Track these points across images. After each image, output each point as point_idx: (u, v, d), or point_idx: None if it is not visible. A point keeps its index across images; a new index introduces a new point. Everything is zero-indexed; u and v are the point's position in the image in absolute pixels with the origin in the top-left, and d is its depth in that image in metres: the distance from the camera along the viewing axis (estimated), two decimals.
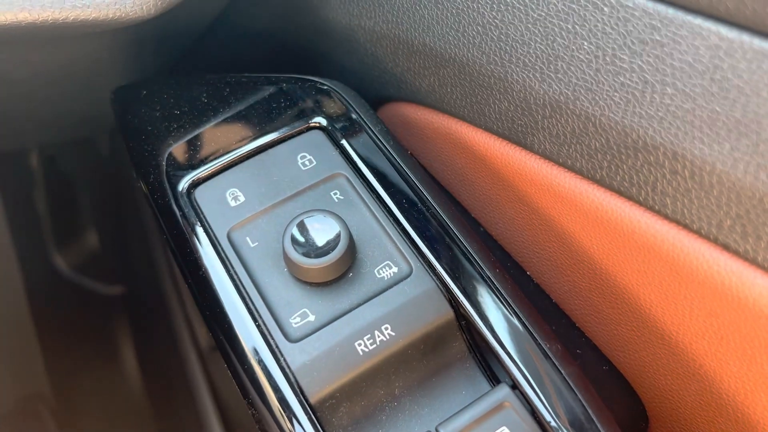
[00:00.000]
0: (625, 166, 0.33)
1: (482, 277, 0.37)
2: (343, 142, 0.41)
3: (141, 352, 1.09)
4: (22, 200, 1.10)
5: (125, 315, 1.11)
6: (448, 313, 0.36)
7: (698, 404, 0.36)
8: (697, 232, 0.31)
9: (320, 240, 0.36)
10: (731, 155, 0.28)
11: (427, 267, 0.37)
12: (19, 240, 1.11)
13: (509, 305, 0.36)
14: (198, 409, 0.96)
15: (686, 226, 0.31)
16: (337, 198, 0.39)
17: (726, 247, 0.30)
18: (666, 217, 0.32)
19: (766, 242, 0.28)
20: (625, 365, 0.40)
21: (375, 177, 0.40)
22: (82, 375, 1.08)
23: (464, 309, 0.36)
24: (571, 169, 0.36)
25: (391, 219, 0.39)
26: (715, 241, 0.30)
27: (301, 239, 0.36)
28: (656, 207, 0.32)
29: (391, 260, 0.37)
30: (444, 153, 0.44)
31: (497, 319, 0.36)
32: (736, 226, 0.29)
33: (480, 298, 0.36)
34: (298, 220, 0.36)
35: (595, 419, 0.33)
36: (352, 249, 0.36)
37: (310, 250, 0.36)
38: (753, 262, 0.29)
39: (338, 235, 0.36)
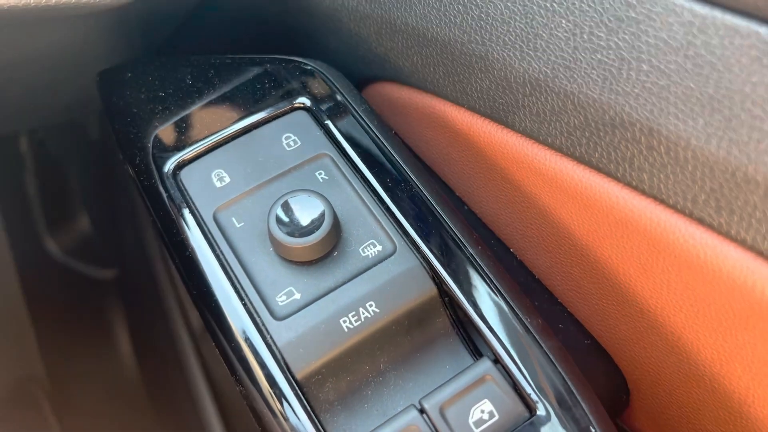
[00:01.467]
0: (603, 143, 0.33)
1: (465, 255, 0.38)
2: (328, 122, 0.41)
3: (135, 334, 1.09)
4: (13, 185, 1.10)
5: (118, 298, 1.11)
6: (432, 290, 0.37)
7: (677, 376, 0.37)
8: (673, 207, 0.31)
9: (305, 219, 0.36)
10: (705, 131, 0.29)
11: (410, 245, 0.38)
12: (10, 225, 1.11)
13: (491, 282, 0.37)
14: (191, 389, 0.97)
15: (662, 201, 0.32)
16: (321, 178, 0.40)
17: (701, 221, 0.30)
18: (643, 192, 0.32)
19: (738, 216, 0.29)
20: (606, 339, 0.40)
21: (359, 157, 0.40)
22: (77, 358, 1.08)
23: (447, 286, 0.37)
24: (551, 146, 0.36)
25: (375, 198, 0.39)
26: (690, 216, 0.31)
27: (286, 219, 0.36)
28: (633, 183, 0.33)
29: (376, 239, 0.38)
30: (428, 132, 0.45)
31: (479, 295, 0.36)
32: (710, 201, 0.30)
33: (463, 275, 0.37)
34: (282, 200, 0.37)
35: (575, 392, 0.34)
36: (336, 228, 0.37)
37: (295, 229, 0.36)
38: (726, 235, 0.30)
39: (322, 215, 0.36)
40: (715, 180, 0.29)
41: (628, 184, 0.33)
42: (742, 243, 0.29)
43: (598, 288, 0.38)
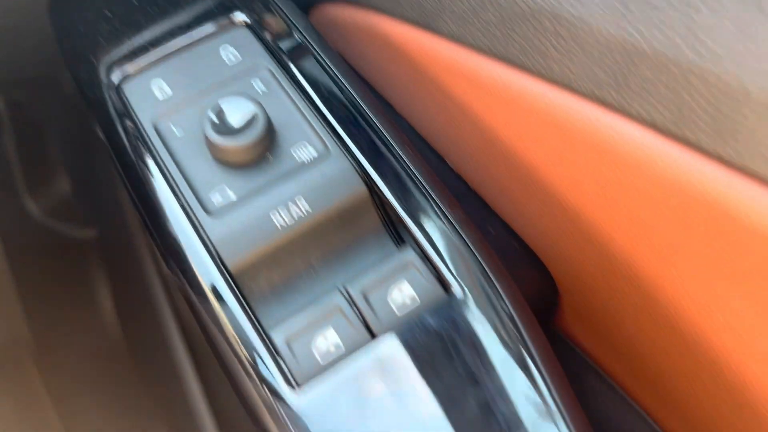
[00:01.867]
0: (516, 36, 0.34)
1: (394, 156, 0.39)
2: (268, 37, 0.43)
3: (116, 293, 1.11)
4: None
5: (100, 257, 1.13)
6: (362, 190, 0.38)
7: (599, 270, 0.39)
8: (580, 93, 0.33)
9: (238, 121, 0.38)
10: (602, 11, 0.30)
11: (343, 148, 0.39)
12: None
13: (417, 179, 0.38)
14: (168, 345, 0.98)
15: (571, 88, 0.33)
16: (259, 88, 0.41)
17: (604, 102, 0.32)
18: (554, 82, 0.34)
19: (635, 91, 0.30)
20: (535, 240, 0.42)
21: (297, 68, 0.42)
22: (61, 319, 1.10)
23: (377, 185, 0.38)
24: (474, 47, 0.37)
25: (310, 106, 0.40)
26: (595, 99, 0.32)
27: (219, 122, 0.38)
28: (545, 73, 0.34)
29: (310, 143, 0.39)
30: (369, 51, 0.46)
31: (406, 192, 0.38)
32: (610, 81, 0.31)
33: (391, 175, 0.39)
34: (217, 105, 0.38)
35: (491, 276, 0.35)
36: (269, 130, 0.38)
37: (228, 131, 0.38)
38: (627, 113, 0.31)
39: (255, 116, 0.38)
40: (613, 59, 0.30)
41: (542, 76, 0.34)
42: (639, 119, 0.31)
43: (524, 188, 0.40)
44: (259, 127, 0.37)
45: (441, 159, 0.46)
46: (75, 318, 1.11)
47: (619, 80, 0.31)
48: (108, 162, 1.03)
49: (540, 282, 0.43)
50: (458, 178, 0.45)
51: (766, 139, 0.26)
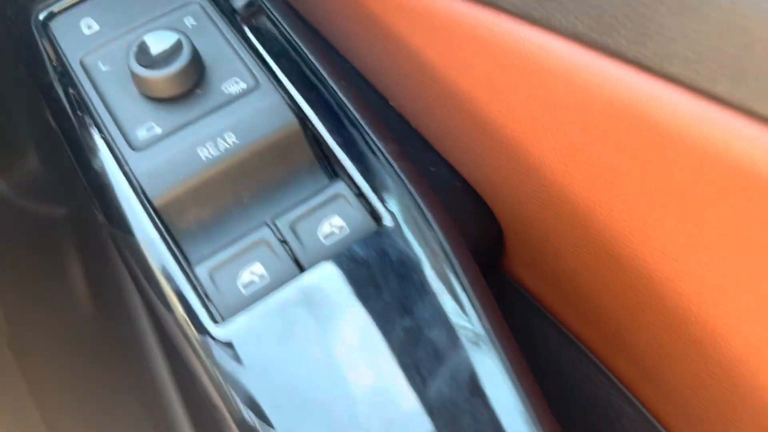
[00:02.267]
0: None
1: (327, 90, 0.38)
2: None
3: (88, 271, 1.09)
4: None
5: (71, 235, 1.11)
6: (293, 123, 0.37)
7: (538, 204, 0.38)
8: (504, 10, 0.32)
9: (163, 53, 0.37)
10: None
11: (274, 81, 0.38)
12: None
13: (350, 112, 0.37)
14: (138, 321, 0.97)
15: (495, 6, 0.32)
16: (190, 24, 0.40)
17: (528, 18, 0.31)
18: (480, 2, 0.33)
19: (557, 2, 0.29)
20: (477, 179, 0.41)
21: (229, 4, 0.40)
22: (34, 299, 1.09)
23: (308, 119, 0.37)
24: None
25: (241, 40, 0.39)
26: (519, 14, 0.31)
27: (145, 54, 0.37)
28: None
29: (239, 76, 0.38)
30: None
31: (338, 125, 0.37)
32: None
33: (323, 108, 0.37)
34: (141, 38, 0.37)
35: (422, 205, 0.34)
36: (196, 61, 0.37)
37: (154, 62, 0.36)
38: (549, 26, 0.30)
39: (180, 47, 0.36)
40: None
41: None
42: (563, 31, 0.30)
43: (461, 122, 0.39)
44: (182, 58, 0.36)
45: (385, 101, 0.45)
46: (48, 297, 1.10)
47: None
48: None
49: (484, 223, 0.42)
50: (402, 119, 0.44)
51: (680, 36, 0.25)
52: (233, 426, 0.31)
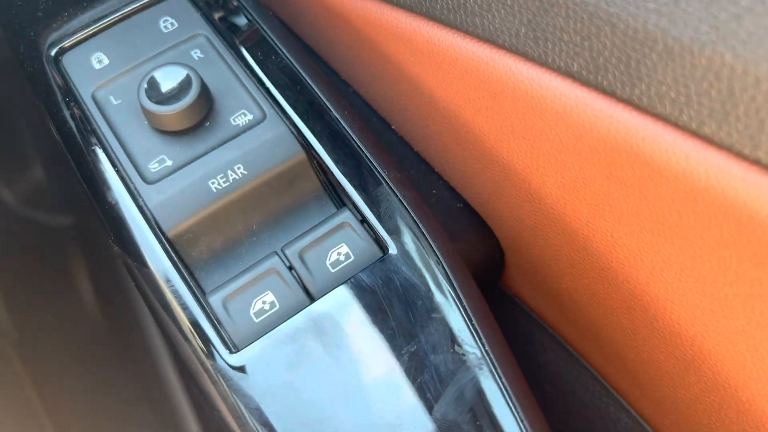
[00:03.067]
0: None
1: (331, 120, 0.39)
2: (206, 5, 0.43)
3: (94, 278, 1.11)
4: None
5: (76, 244, 1.13)
6: (300, 153, 0.38)
7: (536, 226, 0.39)
8: (502, 47, 0.33)
9: (171, 88, 0.38)
10: None
11: (280, 113, 0.39)
12: None
13: (354, 142, 0.38)
14: (144, 327, 0.99)
15: (494, 43, 0.33)
16: (197, 56, 0.41)
17: (525, 55, 0.32)
18: (478, 37, 0.34)
19: (552, 41, 0.30)
20: (477, 201, 0.42)
21: (234, 35, 0.42)
22: (41, 307, 1.10)
23: (314, 149, 0.38)
24: (404, 7, 0.38)
25: (247, 71, 0.41)
26: (516, 51, 0.32)
27: (155, 90, 0.38)
28: (470, 29, 0.34)
29: (247, 109, 0.39)
30: (312, 18, 0.46)
31: (343, 155, 0.38)
32: (528, 33, 0.31)
33: (328, 139, 0.39)
34: (150, 73, 0.38)
35: (425, 233, 0.36)
36: (205, 96, 0.38)
37: (163, 98, 0.38)
38: (544, 64, 0.31)
39: (189, 82, 0.38)
40: (527, 9, 0.31)
41: (467, 32, 0.35)
42: (558, 69, 0.31)
43: (462, 148, 0.40)
44: (192, 93, 0.37)
45: (387, 125, 0.46)
46: (55, 305, 1.11)
47: (537, 32, 0.31)
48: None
49: (485, 242, 0.43)
50: (404, 143, 0.46)
51: (670, 79, 0.26)
52: None
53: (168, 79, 0.38)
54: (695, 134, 0.27)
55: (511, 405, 0.32)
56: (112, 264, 1.05)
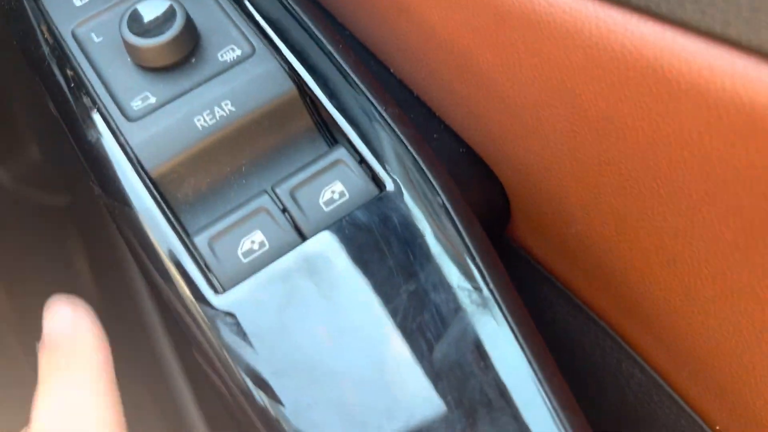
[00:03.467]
0: None
1: (325, 54, 0.37)
2: None
3: (92, 258, 1.09)
4: None
5: (74, 224, 1.11)
6: (291, 90, 0.36)
7: (545, 168, 0.37)
8: None
9: (156, 21, 0.36)
10: None
11: (270, 48, 0.37)
12: None
13: (349, 77, 0.36)
14: (141, 305, 0.97)
15: None
16: None
17: None
18: None
19: None
20: (482, 145, 0.40)
21: None
22: (40, 289, 1.08)
23: (306, 85, 0.36)
24: None
25: (236, 5, 0.38)
26: None
27: (137, 22, 0.36)
28: None
29: (235, 43, 0.37)
30: None
31: (337, 90, 0.36)
32: None
33: (322, 74, 0.36)
34: (133, 6, 0.36)
35: (425, 169, 0.34)
36: (190, 29, 0.36)
37: (146, 30, 0.35)
38: None
39: (173, 14, 0.35)
40: None
41: None
42: None
43: (465, 86, 0.38)
44: (176, 25, 0.35)
45: (385, 68, 0.44)
46: (53, 285, 1.09)
47: None
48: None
49: (490, 189, 0.41)
50: (403, 86, 0.43)
51: None
52: (236, 392, 0.30)
53: (151, 10, 0.36)
54: (720, 38, 0.25)
55: (518, 345, 0.29)
56: (109, 242, 1.03)
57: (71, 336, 0.32)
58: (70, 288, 1.02)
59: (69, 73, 0.37)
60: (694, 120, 0.27)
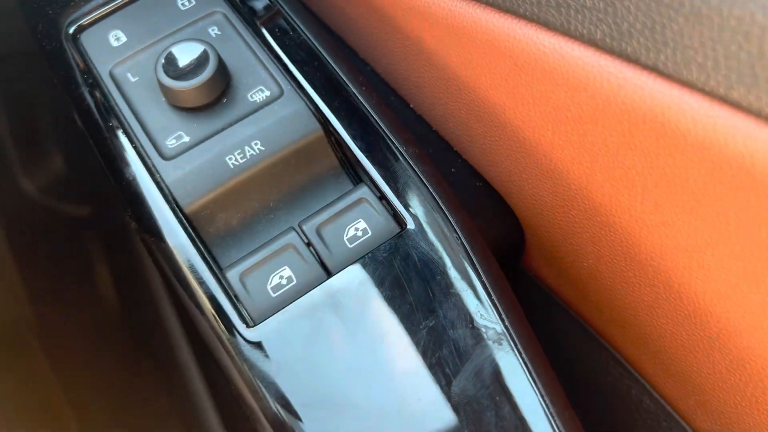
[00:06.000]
0: None
1: (349, 96, 0.39)
2: None
3: (114, 268, 1.11)
4: None
5: (98, 234, 1.13)
6: (317, 130, 0.38)
7: (558, 203, 0.38)
8: (523, 17, 0.32)
9: (188, 64, 0.38)
10: None
11: (297, 89, 0.39)
12: None
13: (372, 117, 0.38)
14: (164, 316, 0.99)
15: (514, 13, 0.33)
16: (214, 33, 0.41)
17: (546, 25, 0.31)
18: (498, 8, 0.33)
19: (574, 8, 0.30)
20: (497, 179, 0.42)
21: (251, 12, 0.41)
22: (62, 297, 1.10)
23: (332, 125, 0.38)
24: None
25: (264, 48, 0.40)
26: (538, 21, 0.32)
27: (172, 65, 0.38)
28: (490, 0, 0.34)
29: (264, 85, 0.39)
30: None
31: (360, 131, 0.38)
32: (550, 0, 0.31)
33: (346, 115, 0.38)
34: (168, 50, 0.38)
35: (444, 208, 0.35)
36: (222, 71, 0.38)
37: (181, 73, 0.37)
38: (567, 33, 0.31)
39: (206, 58, 0.37)
40: None
41: (487, 3, 0.34)
42: (580, 38, 0.30)
43: (482, 125, 0.39)
44: (209, 68, 0.37)
45: (405, 103, 0.46)
46: (76, 295, 1.12)
47: (560, 0, 0.30)
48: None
49: (504, 221, 0.43)
50: (422, 121, 0.45)
51: (697, 43, 0.26)
52: (265, 423, 0.32)
53: (185, 54, 0.38)
54: (723, 100, 0.26)
55: (531, 381, 0.31)
56: (132, 255, 1.05)
57: None
58: (92, 298, 1.05)
59: (107, 111, 0.39)
60: (698, 170, 0.28)
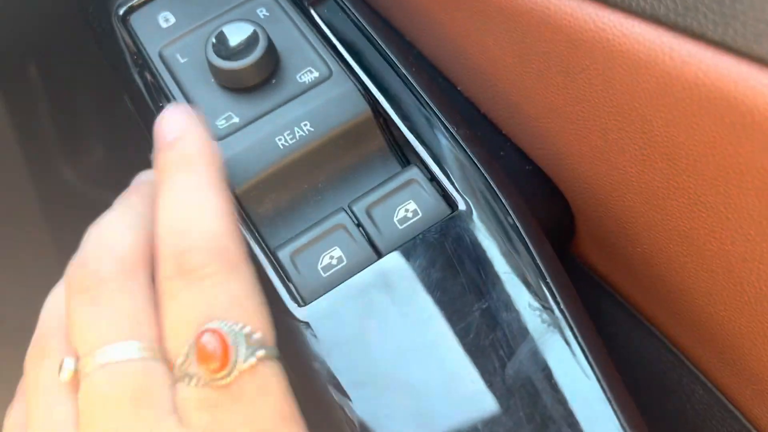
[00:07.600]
0: None
1: (398, 76, 0.39)
2: None
3: None
4: (27, 115, 1.12)
5: None
6: (366, 111, 0.38)
7: (612, 187, 0.38)
8: None
9: (239, 45, 0.38)
10: None
11: (346, 70, 0.39)
12: (29, 157, 1.14)
13: (422, 98, 0.38)
14: None
15: None
16: (263, 14, 0.41)
17: (606, 1, 0.31)
18: None
19: None
20: (548, 163, 0.41)
21: None
22: None
23: (381, 106, 0.38)
24: None
25: (313, 29, 0.40)
26: None
27: (223, 45, 0.38)
28: None
29: (313, 66, 0.39)
30: None
31: (410, 111, 0.38)
32: None
33: (395, 95, 0.38)
34: (218, 30, 0.38)
35: (496, 189, 0.35)
36: (271, 52, 0.38)
37: (230, 53, 0.38)
38: (629, 9, 0.30)
39: (256, 39, 0.37)
40: None
41: None
42: (642, 14, 0.29)
43: (533, 107, 0.39)
44: (259, 49, 0.37)
45: (452, 86, 0.45)
46: None
47: None
48: (138, 124, 1.04)
49: (555, 206, 0.42)
50: (470, 104, 0.45)
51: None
52: (319, 403, 0.32)
53: (236, 34, 0.38)
54: None
55: (588, 365, 0.30)
56: None
57: (183, 138, 0.33)
58: None
59: (156, 91, 0.39)
60: (766, 152, 0.28)
